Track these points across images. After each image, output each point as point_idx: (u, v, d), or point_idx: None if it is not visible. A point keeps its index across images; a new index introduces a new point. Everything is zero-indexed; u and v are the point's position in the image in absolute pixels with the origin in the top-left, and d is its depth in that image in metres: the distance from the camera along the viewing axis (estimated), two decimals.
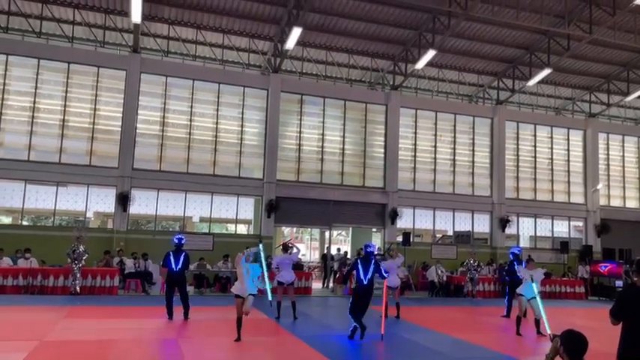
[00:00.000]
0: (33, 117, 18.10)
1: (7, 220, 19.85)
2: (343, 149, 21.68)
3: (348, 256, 21.64)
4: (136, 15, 16.19)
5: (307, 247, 29.72)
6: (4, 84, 17.97)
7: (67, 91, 18.53)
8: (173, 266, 11.23)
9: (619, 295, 4.86)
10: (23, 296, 14.06)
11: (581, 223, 25.29)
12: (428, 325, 11.81)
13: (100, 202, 19.18)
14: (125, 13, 18.37)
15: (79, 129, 18.62)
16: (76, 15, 18.60)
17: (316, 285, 19.64)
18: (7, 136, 17.96)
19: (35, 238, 17.04)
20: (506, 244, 22.67)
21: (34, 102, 18.17)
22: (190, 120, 19.82)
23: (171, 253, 11.34)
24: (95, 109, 18.76)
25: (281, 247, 13.12)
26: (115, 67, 19.00)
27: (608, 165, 25.97)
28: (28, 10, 18.33)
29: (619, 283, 17.64)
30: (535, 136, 24.82)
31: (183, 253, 11.40)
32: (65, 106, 18.45)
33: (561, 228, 25.25)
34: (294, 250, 12.81)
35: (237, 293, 9.01)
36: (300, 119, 21.29)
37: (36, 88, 18.23)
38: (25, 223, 18.83)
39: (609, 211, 25.18)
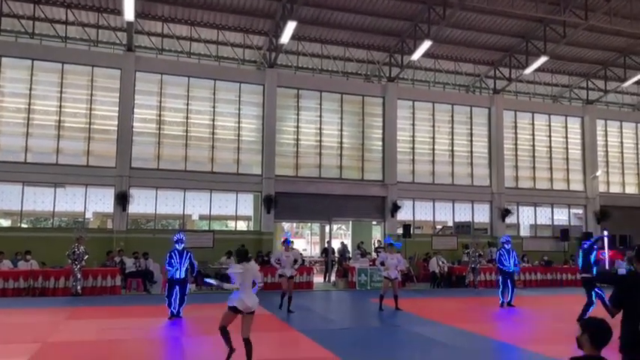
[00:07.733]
0: (28, 118, 17.98)
1: (5, 222, 19.78)
2: (341, 143, 21.60)
3: (349, 249, 21.68)
4: (129, 13, 16.07)
5: (308, 242, 29.66)
6: None
7: (62, 92, 18.40)
8: (177, 268, 10.79)
9: (617, 284, 4.77)
10: (24, 299, 14.02)
11: (580, 211, 25.30)
12: (431, 316, 11.79)
13: (98, 202, 19.10)
14: (118, 12, 18.23)
15: (75, 129, 18.51)
16: (68, 15, 18.47)
17: (318, 279, 19.62)
18: (3, 139, 17.83)
19: (35, 240, 16.95)
20: (506, 233, 22.65)
21: (29, 103, 18.05)
22: (187, 117, 19.72)
23: (174, 254, 10.88)
24: (91, 109, 18.64)
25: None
26: (109, 66, 18.87)
27: (606, 152, 25.92)
28: (20, 11, 18.18)
29: (622, 270, 17.44)
30: (533, 124, 24.76)
31: (188, 254, 10.96)
32: (61, 106, 18.33)
33: (561, 216, 25.23)
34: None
35: (237, 306, 6.76)
36: (298, 114, 21.20)
37: (30, 89, 18.11)
38: (24, 225, 18.76)
39: (609, 197, 25.18)
